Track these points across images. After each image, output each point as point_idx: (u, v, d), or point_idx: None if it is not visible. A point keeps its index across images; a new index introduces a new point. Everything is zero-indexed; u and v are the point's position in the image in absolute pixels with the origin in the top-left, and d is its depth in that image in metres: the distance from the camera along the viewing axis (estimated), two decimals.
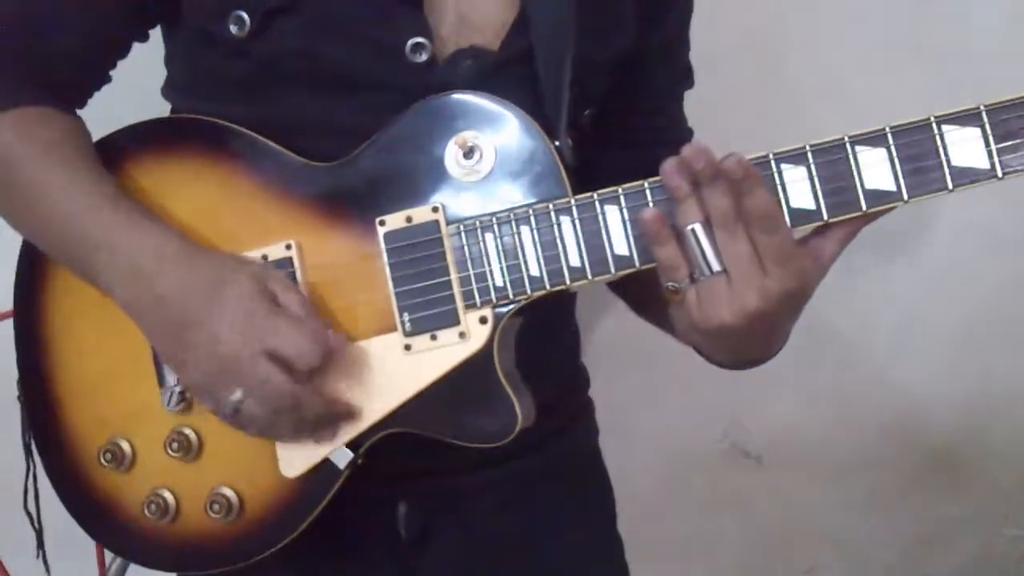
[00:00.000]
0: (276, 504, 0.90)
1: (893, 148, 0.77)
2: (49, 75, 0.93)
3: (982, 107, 0.76)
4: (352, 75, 0.89)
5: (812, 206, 0.79)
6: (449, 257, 0.85)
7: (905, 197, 0.78)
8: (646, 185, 0.82)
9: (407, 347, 0.86)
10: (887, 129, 0.78)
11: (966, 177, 0.77)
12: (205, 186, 0.91)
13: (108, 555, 1.12)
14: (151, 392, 0.92)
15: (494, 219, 0.85)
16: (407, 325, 0.86)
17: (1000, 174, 0.76)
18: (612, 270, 0.83)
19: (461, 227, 0.85)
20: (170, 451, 0.91)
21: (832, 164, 0.78)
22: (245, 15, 0.87)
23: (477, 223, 0.85)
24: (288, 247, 0.88)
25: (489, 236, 0.85)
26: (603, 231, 0.83)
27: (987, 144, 0.76)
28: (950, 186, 0.77)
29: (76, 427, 0.95)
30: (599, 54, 0.95)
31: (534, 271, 0.84)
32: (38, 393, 0.96)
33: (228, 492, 0.90)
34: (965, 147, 0.77)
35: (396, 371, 0.86)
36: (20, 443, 0.99)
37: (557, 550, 1.05)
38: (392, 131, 0.87)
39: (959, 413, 1.73)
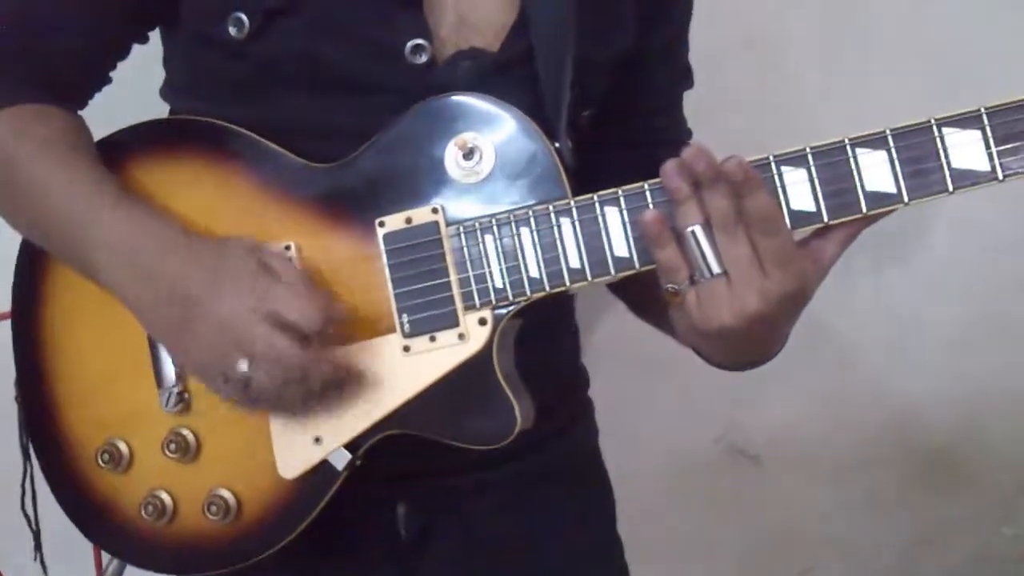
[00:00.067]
0: (274, 505, 0.89)
1: (893, 150, 0.77)
2: (49, 75, 0.93)
3: (982, 109, 0.76)
4: (351, 76, 0.89)
5: (812, 208, 0.79)
6: (449, 258, 0.85)
7: (905, 199, 0.78)
8: (646, 187, 0.81)
9: (406, 348, 0.86)
10: (887, 131, 0.77)
11: (966, 179, 0.77)
12: (204, 187, 0.91)
13: (105, 557, 1.12)
14: (149, 393, 0.92)
15: (494, 220, 0.84)
16: (406, 326, 0.86)
17: (1001, 176, 0.76)
18: (612, 272, 0.83)
19: (461, 228, 0.85)
20: (168, 452, 0.91)
21: (832, 166, 0.78)
22: (244, 16, 0.87)
23: (477, 224, 0.85)
24: (287, 248, 0.87)
25: (489, 237, 0.84)
26: (603, 233, 0.82)
27: (987, 146, 0.76)
28: (950, 188, 0.77)
29: (74, 428, 0.95)
30: (599, 55, 0.95)
31: (534, 273, 0.84)
32: (36, 394, 0.96)
33: (226, 493, 0.90)
34: (965, 149, 0.77)
35: (395, 372, 0.86)
36: (17, 444, 0.98)
37: (557, 551, 1.05)
38: (392, 132, 0.87)
39: (958, 413, 1.73)
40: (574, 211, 0.83)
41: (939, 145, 0.77)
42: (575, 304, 1.10)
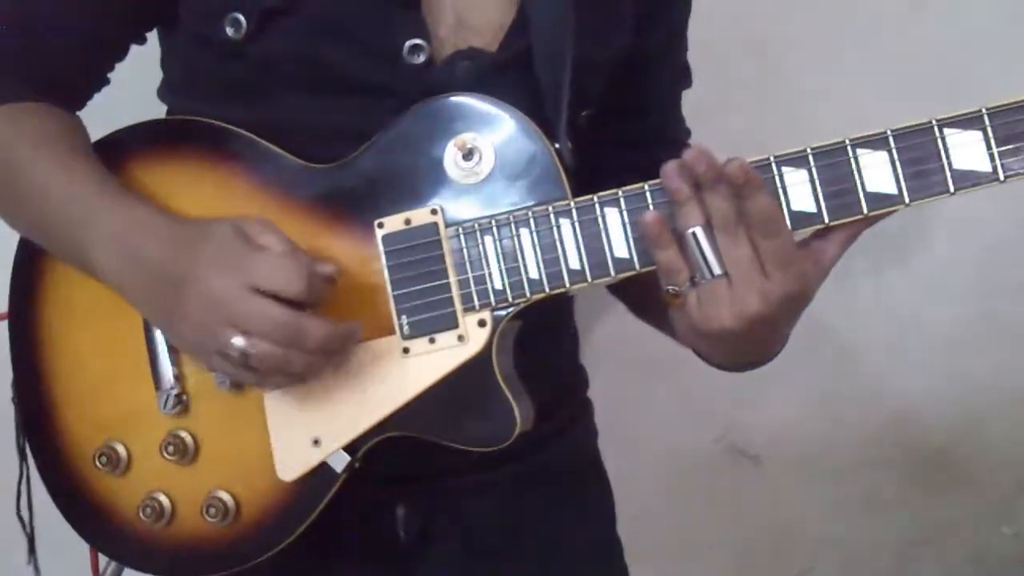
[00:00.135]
0: (273, 508, 0.89)
1: (894, 151, 0.77)
2: (48, 76, 0.93)
3: (983, 110, 0.76)
4: (349, 77, 0.89)
5: (813, 209, 0.79)
6: (448, 260, 0.85)
7: (906, 200, 0.77)
8: (646, 188, 0.81)
9: (405, 350, 0.85)
10: (888, 132, 0.77)
11: (967, 180, 0.77)
12: (202, 187, 0.90)
13: (102, 559, 1.11)
14: (147, 395, 0.91)
15: (493, 221, 0.84)
16: (405, 328, 0.85)
17: (1002, 177, 0.76)
18: (612, 273, 0.82)
19: (460, 229, 0.85)
20: (166, 454, 0.90)
21: (833, 167, 0.78)
22: (241, 17, 0.87)
23: (476, 225, 0.84)
24: None
25: (488, 239, 0.84)
26: (603, 234, 0.82)
27: (988, 147, 0.76)
28: (951, 189, 0.77)
29: (71, 430, 0.94)
30: (598, 54, 0.95)
31: (533, 274, 0.84)
32: (33, 395, 0.96)
33: (225, 496, 0.89)
34: (966, 150, 0.76)
35: (394, 374, 0.85)
36: (14, 446, 0.98)
37: (556, 552, 1.05)
38: (391, 133, 0.87)
39: (957, 413, 1.73)
40: (574, 212, 0.83)
41: (940, 146, 0.77)
42: (574, 305, 1.10)
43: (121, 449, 0.92)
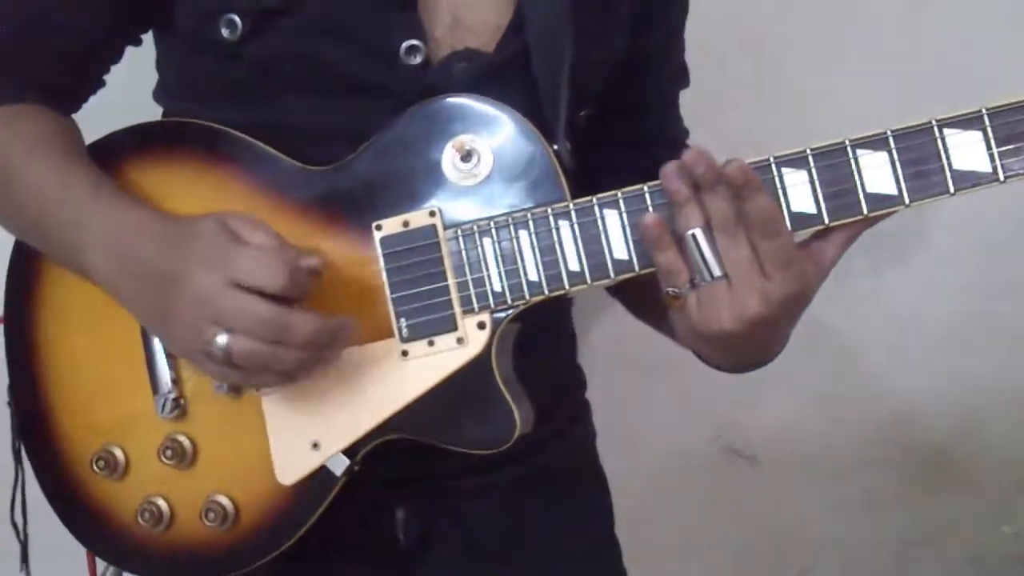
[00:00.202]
0: (272, 512, 0.89)
1: (894, 151, 0.77)
2: (44, 78, 0.93)
3: (983, 110, 0.76)
4: (346, 78, 0.88)
5: (813, 210, 0.78)
6: (447, 262, 0.84)
7: (906, 201, 0.77)
8: (645, 189, 0.81)
9: (404, 353, 0.85)
10: (888, 132, 0.77)
11: (968, 180, 0.76)
12: (198, 189, 0.90)
13: (100, 565, 1.11)
14: (145, 399, 0.91)
15: (492, 223, 0.84)
16: (404, 331, 0.85)
17: (1002, 177, 0.76)
18: (611, 275, 0.82)
19: (459, 231, 0.84)
20: (164, 459, 0.90)
21: (833, 168, 0.78)
22: (236, 18, 0.87)
23: (475, 227, 0.84)
24: None
25: (487, 241, 0.84)
26: (602, 236, 0.82)
27: (988, 147, 0.76)
28: (951, 189, 0.77)
29: (68, 434, 0.94)
30: (597, 55, 0.94)
31: (533, 276, 0.83)
32: (29, 399, 0.95)
33: (224, 500, 0.89)
34: (967, 150, 0.76)
35: (394, 377, 0.85)
36: (9, 450, 0.97)
37: (555, 553, 1.05)
38: (388, 135, 0.87)
39: (957, 413, 1.73)
40: (573, 214, 0.82)
41: (940, 146, 0.76)
42: (572, 306, 1.10)
43: (119, 453, 0.92)
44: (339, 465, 0.86)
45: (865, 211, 0.78)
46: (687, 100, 1.09)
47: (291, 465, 0.87)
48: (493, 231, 0.84)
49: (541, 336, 0.92)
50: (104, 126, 0.94)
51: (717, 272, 0.78)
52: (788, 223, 0.78)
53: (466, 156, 0.85)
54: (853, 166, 0.77)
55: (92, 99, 0.99)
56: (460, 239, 0.84)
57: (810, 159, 0.78)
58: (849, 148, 0.77)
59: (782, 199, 0.78)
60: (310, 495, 0.88)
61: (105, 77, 0.98)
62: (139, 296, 0.85)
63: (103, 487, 0.93)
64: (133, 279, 0.84)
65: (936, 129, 0.76)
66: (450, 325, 0.84)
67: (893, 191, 0.77)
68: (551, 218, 0.83)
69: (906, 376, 1.70)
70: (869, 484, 1.76)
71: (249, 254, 0.79)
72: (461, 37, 0.90)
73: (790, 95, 1.55)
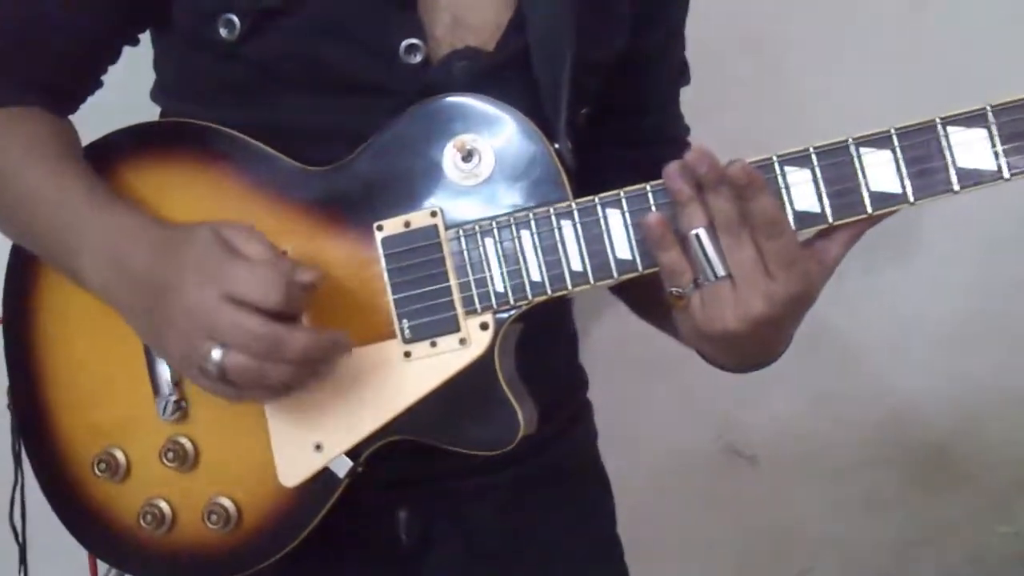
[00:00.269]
0: (275, 513, 0.88)
1: (898, 149, 0.77)
2: (41, 79, 0.92)
3: (988, 108, 0.75)
4: (345, 77, 0.88)
5: (817, 209, 0.78)
6: (448, 262, 0.84)
7: (911, 199, 0.77)
8: (648, 188, 0.81)
9: (407, 354, 0.85)
10: (892, 131, 0.77)
11: (972, 178, 0.76)
12: (196, 190, 0.90)
13: (102, 567, 1.11)
14: (146, 401, 0.91)
15: (494, 223, 0.83)
16: (406, 332, 0.85)
17: (1007, 175, 0.76)
18: (615, 274, 0.82)
19: (460, 232, 0.84)
20: (166, 461, 0.89)
21: (836, 166, 0.77)
22: (235, 18, 0.86)
23: (477, 227, 0.84)
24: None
25: (489, 241, 0.83)
26: (605, 235, 0.81)
27: (993, 145, 0.75)
28: (956, 188, 0.76)
29: (69, 436, 0.93)
30: (597, 54, 0.94)
31: (535, 276, 0.83)
32: (29, 401, 0.95)
33: (226, 502, 0.89)
34: (971, 148, 0.76)
35: (396, 378, 0.85)
36: (9, 452, 0.97)
37: (557, 553, 1.05)
38: (388, 134, 0.86)
39: (956, 412, 1.73)
40: (575, 213, 0.82)
41: (944, 144, 0.76)
42: (573, 305, 1.09)
43: (120, 455, 0.91)
44: (342, 467, 0.86)
45: (869, 210, 0.77)
46: (687, 99, 1.09)
47: (294, 467, 0.87)
48: (495, 231, 0.83)
49: (542, 336, 0.91)
50: (102, 126, 0.94)
51: (721, 272, 0.78)
52: (792, 222, 0.78)
53: (467, 156, 0.84)
54: (857, 164, 0.77)
55: (89, 99, 0.98)
56: (462, 239, 0.84)
57: (813, 158, 0.77)
58: (852, 146, 0.77)
59: (785, 198, 0.78)
60: (313, 497, 0.87)
61: (103, 77, 0.98)
62: (135, 303, 0.84)
63: (104, 489, 0.92)
64: (126, 284, 0.83)
65: (940, 127, 0.76)
66: (453, 326, 0.84)
67: (897, 189, 0.77)
68: (553, 218, 0.82)
69: (906, 376, 1.70)
70: (869, 484, 1.76)
71: (244, 268, 0.78)
72: (461, 36, 0.89)
73: (790, 95, 1.55)
